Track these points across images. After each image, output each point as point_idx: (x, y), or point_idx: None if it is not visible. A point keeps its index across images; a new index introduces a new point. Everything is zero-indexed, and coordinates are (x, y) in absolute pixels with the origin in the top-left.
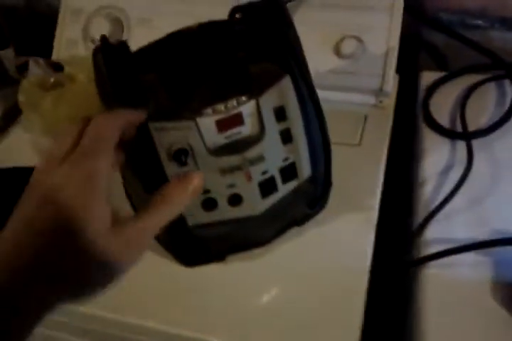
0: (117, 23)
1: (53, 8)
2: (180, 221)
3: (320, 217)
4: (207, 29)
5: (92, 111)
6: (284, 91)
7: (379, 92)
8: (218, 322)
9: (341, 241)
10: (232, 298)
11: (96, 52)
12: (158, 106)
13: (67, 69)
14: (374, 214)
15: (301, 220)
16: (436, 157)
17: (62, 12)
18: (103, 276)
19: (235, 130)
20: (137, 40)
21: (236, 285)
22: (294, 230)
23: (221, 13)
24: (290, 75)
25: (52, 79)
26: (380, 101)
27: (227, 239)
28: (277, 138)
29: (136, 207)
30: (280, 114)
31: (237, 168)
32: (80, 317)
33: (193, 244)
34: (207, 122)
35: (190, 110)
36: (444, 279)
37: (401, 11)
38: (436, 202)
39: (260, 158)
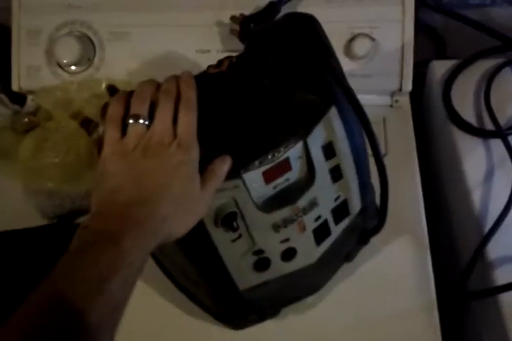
0: (86, 41)
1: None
2: (230, 287)
3: (367, 246)
4: (236, 67)
5: (82, 154)
6: (332, 125)
7: (397, 93)
8: None
9: (398, 274)
10: None
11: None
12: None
13: (35, 102)
14: (424, 236)
15: (350, 255)
16: (474, 162)
17: (15, 34)
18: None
19: (282, 178)
20: (113, 56)
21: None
22: (345, 267)
23: (201, 20)
24: (336, 106)
25: (26, 119)
26: (396, 101)
27: (280, 295)
28: (328, 177)
29: (174, 279)
30: (329, 151)
31: (290, 221)
32: None
33: (245, 307)
34: (254, 176)
35: (235, 167)
36: None
37: None
38: (492, 216)
39: (313, 204)
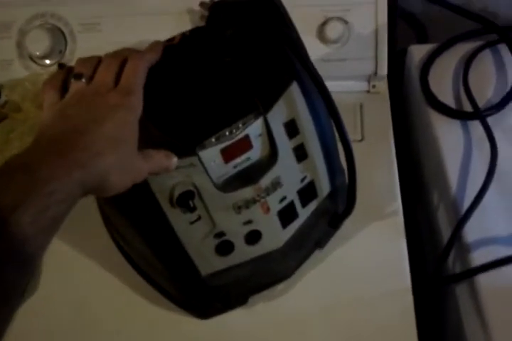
0: (57, 33)
1: None
2: (192, 271)
3: (340, 232)
4: (191, 42)
5: None
6: (293, 101)
7: (373, 77)
8: None
9: (371, 260)
10: None
11: None
12: (148, 144)
13: (6, 95)
14: (400, 221)
15: (322, 241)
16: (452, 145)
17: None
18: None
19: (243, 156)
20: (84, 48)
21: (265, 332)
22: (316, 254)
23: (171, 7)
24: (297, 81)
25: None
26: (373, 86)
27: (247, 281)
28: (291, 156)
29: (137, 266)
30: (291, 128)
31: (252, 201)
32: None
33: (209, 295)
34: (211, 154)
35: (189, 143)
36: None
37: None
38: (469, 199)
39: (276, 184)
